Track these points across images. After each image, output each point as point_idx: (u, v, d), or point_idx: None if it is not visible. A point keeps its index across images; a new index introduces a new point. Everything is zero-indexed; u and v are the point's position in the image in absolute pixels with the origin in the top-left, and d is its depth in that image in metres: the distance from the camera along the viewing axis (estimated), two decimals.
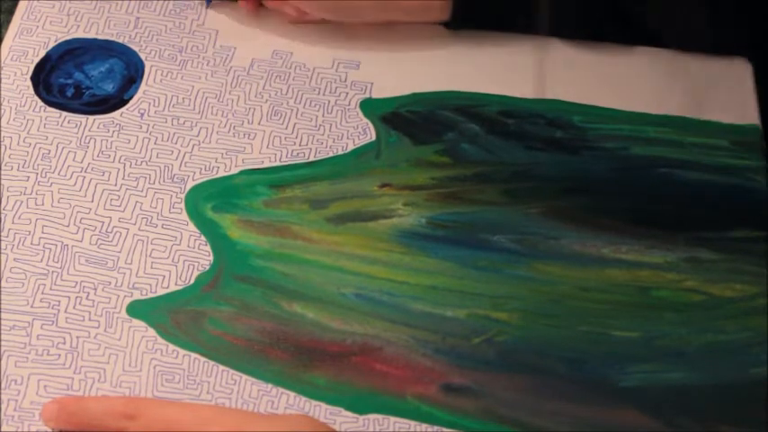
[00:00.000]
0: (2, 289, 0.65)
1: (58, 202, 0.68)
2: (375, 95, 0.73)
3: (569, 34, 0.75)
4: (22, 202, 0.68)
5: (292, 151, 0.71)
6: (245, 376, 0.62)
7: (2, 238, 0.66)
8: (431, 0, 0.73)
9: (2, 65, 0.73)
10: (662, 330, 0.65)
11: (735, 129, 0.72)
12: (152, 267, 0.66)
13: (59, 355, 0.63)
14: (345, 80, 0.74)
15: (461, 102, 0.73)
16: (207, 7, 0.76)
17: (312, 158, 0.71)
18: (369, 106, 0.73)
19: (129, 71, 0.74)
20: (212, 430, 0.55)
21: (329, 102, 0.73)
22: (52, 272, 0.65)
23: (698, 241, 0.67)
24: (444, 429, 0.61)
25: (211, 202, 0.69)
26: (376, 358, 0.63)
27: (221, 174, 0.70)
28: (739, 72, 0.74)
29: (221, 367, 0.63)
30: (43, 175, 0.69)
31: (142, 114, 0.72)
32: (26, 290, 0.65)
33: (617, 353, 0.64)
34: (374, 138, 0.72)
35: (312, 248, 0.67)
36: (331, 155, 0.71)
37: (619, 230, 0.68)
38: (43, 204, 0.68)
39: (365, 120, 0.72)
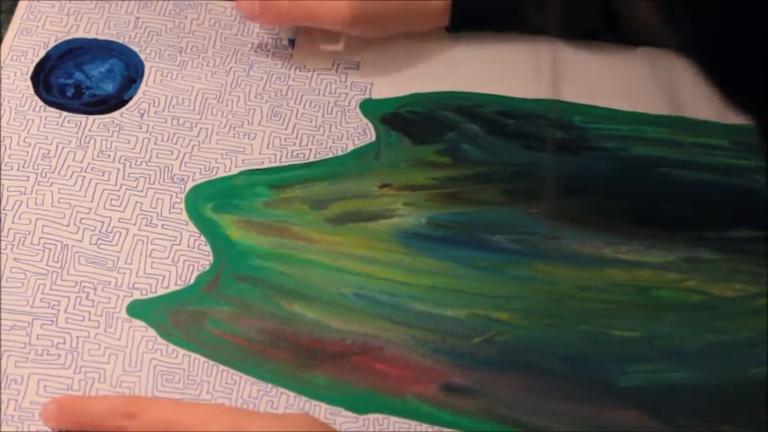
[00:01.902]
0: (2, 289, 0.64)
1: (58, 202, 0.68)
2: (375, 96, 0.73)
3: (569, 35, 0.75)
4: (22, 202, 0.68)
5: (292, 152, 0.71)
6: (244, 376, 0.62)
7: (2, 238, 0.66)
8: (431, 0, 0.73)
9: (2, 65, 0.73)
10: (662, 330, 0.64)
11: (735, 129, 0.71)
12: (152, 267, 0.66)
13: (59, 355, 0.63)
14: (345, 81, 0.74)
15: (461, 102, 0.73)
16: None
17: (312, 159, 0.71)
18: (369, 107, 0.73)
19: (129, 71, 0.74)
20: (212, 430, 0.55)
21: (329, 102, 0.73)
22: (52, 272, 0.65)
23: (698, 241, 0.67)
24: (444, 429, 0.61)
25: (211, 202, 0.69)
26: (376, 358, 0.63)
27: (221, 174, 0.70)
28: None
29: (221, 367, 0.63)
30: (43, 175, 0.69)
31: (142, 114, 0.72)
32: (26, 290, 0.65)
33: (617, 353, 0.64)
34: (374, 138, 0.72)
35: (312, 248, 0.67)
36: (331, 155, 0.71)
37: (619, 230, 0.68)
38: (43, 204, 0.68)
39: (365, 120, 0.72)
